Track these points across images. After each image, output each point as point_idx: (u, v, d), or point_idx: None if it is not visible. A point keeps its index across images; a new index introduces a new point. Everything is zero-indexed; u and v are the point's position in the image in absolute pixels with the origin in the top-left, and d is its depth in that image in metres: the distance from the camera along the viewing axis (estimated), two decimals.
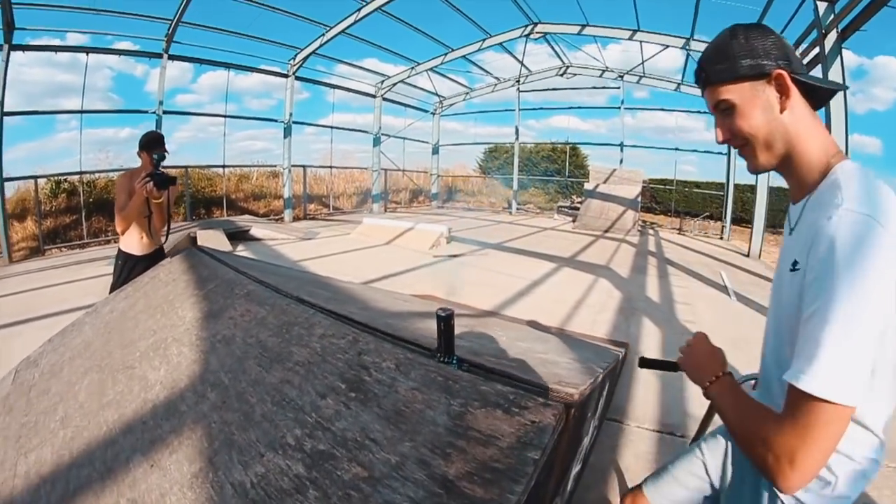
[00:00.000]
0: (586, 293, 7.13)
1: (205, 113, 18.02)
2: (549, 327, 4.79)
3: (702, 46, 13.73)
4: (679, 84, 18.08)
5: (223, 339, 2.11)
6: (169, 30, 13.28)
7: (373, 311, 2.86)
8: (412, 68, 19.30)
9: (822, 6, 7.89)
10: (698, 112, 19.63)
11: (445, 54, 18.36)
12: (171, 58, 14.19)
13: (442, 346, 1.63)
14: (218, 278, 2.88)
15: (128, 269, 3.88)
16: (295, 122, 17.37)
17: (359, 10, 14.05)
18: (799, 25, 10.44)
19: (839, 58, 7.60)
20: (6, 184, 11.13)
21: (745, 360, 4.28)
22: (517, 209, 22.19)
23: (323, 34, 15.27)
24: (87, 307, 4.53)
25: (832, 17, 7.69)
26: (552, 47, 18.67)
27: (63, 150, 15.85)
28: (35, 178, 12.59)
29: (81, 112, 13.34)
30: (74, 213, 13.42)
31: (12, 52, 11.06)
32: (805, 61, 9.01)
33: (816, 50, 8.32)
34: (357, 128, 21.85)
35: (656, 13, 14.75)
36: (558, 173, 25.56)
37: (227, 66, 15.99)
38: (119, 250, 3.95)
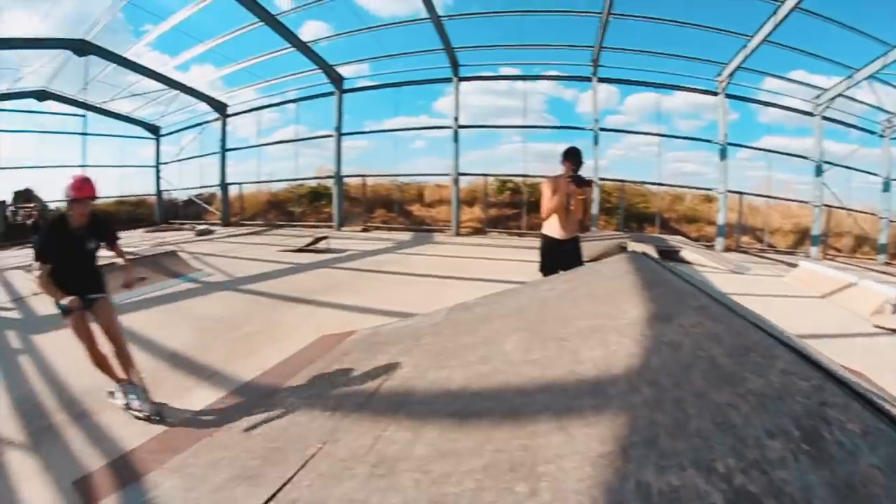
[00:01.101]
0: None
1: (639, 131, 18.84)
2: None
3: None
4: None
5: (669, 343, 2.14)
6: (593, 55, 14.96)
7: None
8: (850, 77, 15.22)
9: None
10: None
11: (886, 53, 13.86)
12: (600, 80, 15.93)
13: None
14: (666, 284, 3.02)
15: (549, 248, 4.82)
16: (729, 144, 16.26)
17: (775, 12, 12.56)
18: None
19: None
20: (461, 177, 16.67)
21: None
22: None
23: (745, 45, 14.14)
24: (508, 282, 5.76)
25: None
26: None
27: (505, 159, 19.75)
28: (485, 175, 17.74)
29: (524, 126, 17.29)
30: (516, 208, 17.55)
31: (460, 84, 16.87)
32: None
33: None
34: (794, 152, 18.19)
35: None
36: None
37: (654, 85, 16.56)
38: (542, 234, 4.88)
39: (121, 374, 3.49)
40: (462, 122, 17.00)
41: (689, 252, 11.79)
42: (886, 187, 17.38)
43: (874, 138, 17.58)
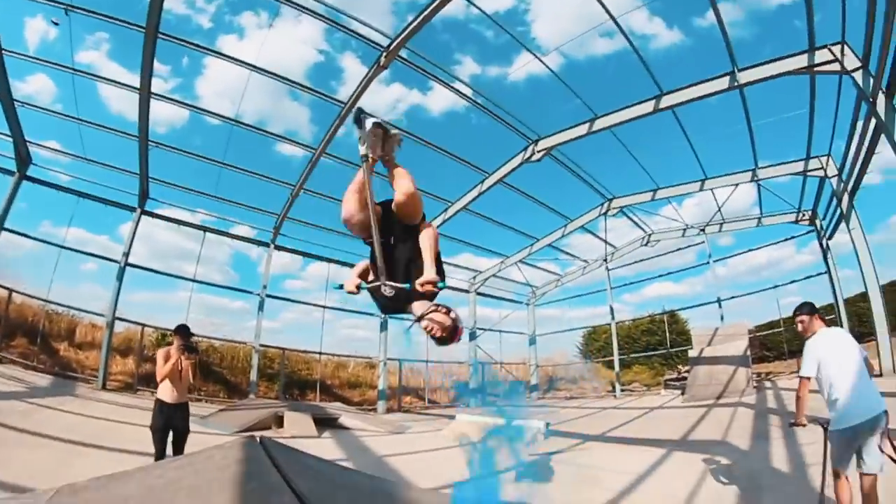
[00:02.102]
0: (700, 481, 6.06)
1: (305, 301, 19.33)
2: None
3: (769, 173, 14.34)
4: (759, 218, 17.61)
5: None
6: (277, 223, 15.46)
7: None
8: (502, 262, 20.22)
9: (859, 76, 7.98)
10: (785, 240, 18.33)
11: (532, 245, 19.28)
12: (277, 248, 16.24)
13: None
14: (260, 479, 2.87)
15: (161, 412, 5.32)
16: (390, 317, 17.78)
17: (445, 210, 15.47)
18: (847, 109, 10.48)
19: None
20: (118, 322, 13.39)
21: None
22: (622, 391, 20.60)
23: None
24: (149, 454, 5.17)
25: (871, 81, 7.75)
26: (631, 219, 19.18)
27: (180, 306, 17.02)
28: (143, 325, 14.91)
29: (193, 280, 15.36)
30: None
31: (143, 217, 14.16)
32: (868, 137, 9.38)
33: (874, 122, 8.41)
34: None
35: (719, 157, 15.20)
36: (660, 344, 24.07)
37: (328, 260, 17.59)
38: (156, 399, 5.41)
39: None
40: (139, 257, 14.84)
41: (348, 418, 12.20)
42: (532, 341, 23.93)
43: (522, 306, 24.17)
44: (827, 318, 16.60)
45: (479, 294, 21.62)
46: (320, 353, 17.74)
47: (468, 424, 11.48)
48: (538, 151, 13.53)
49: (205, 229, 15.73)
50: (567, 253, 21.47)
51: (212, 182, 14.30)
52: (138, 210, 14.04)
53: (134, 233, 14.05)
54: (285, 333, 21.97)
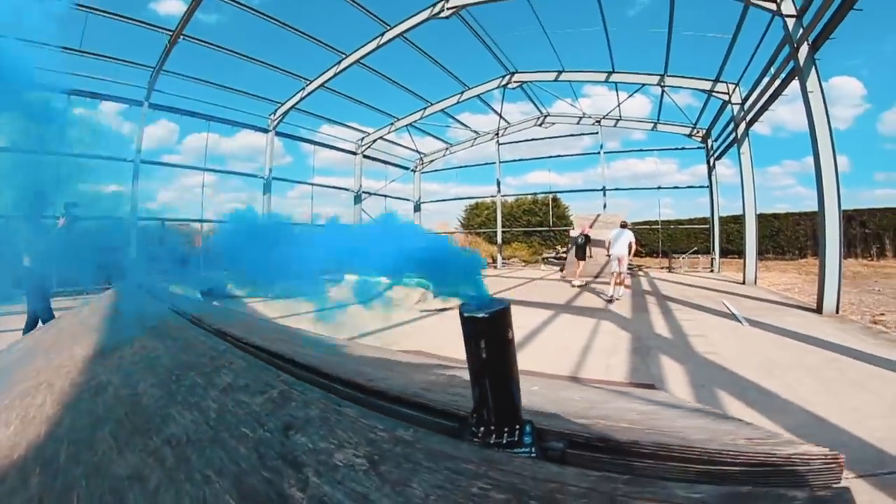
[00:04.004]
0: (591, 337, 6.42)
1: (184, 165, 17.59)
2: (557, 376, 4.05)
3: (676, 82, 14.49)
4: (655, 123, 18.43)
5: (95, 387, 1.33)
6: (151, 77, 13.26)
7: (342, 361, 2.05)
8: (392, 124, 19.36)
9: (790, 22, 8.11)
10: (675, 149, 19.68)
11: (424, 109, 18.49)
12: (152, 106, 14.06)
13: (489, 399, 0.77)
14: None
15: None
16: (275, 179, 17.16)
17: (339, 62, 14.05)
18: (770, 46, 10.65)
19: (814, 69, 7.82)
20: None
21: (781, 386, 4.05)
22: (502, 263, 21.51)
23: (304, 87, 15.22)
24: None
25: (801, 31, 7.94)
26: (530, 99, 18.93)
27: None
28: None
29: (29, 152, 12.83)
30: None
31: None
32: (781, 77, 9.75)
33: (791, 65, 8.69)
34: (338, 186, 21.81)
35: (629, 57, 15.19)
36: (541, 225, 25.31)
37: (208, 118, 15.86)
38: None
39: None
40: None
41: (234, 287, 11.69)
42: (417, 208, 24.38)
43: (409, 174, 24.20)
44: (702, 227, 19.99)
45: (365, 157, 21.14)
46: (202, 221, 16.30)
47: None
48: (448, 8, 12.16)
49: (68, 93, 12.99)
50: (460, 122, 21.06)
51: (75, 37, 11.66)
52: None
53: None
54: (165, 211, 20.12)
